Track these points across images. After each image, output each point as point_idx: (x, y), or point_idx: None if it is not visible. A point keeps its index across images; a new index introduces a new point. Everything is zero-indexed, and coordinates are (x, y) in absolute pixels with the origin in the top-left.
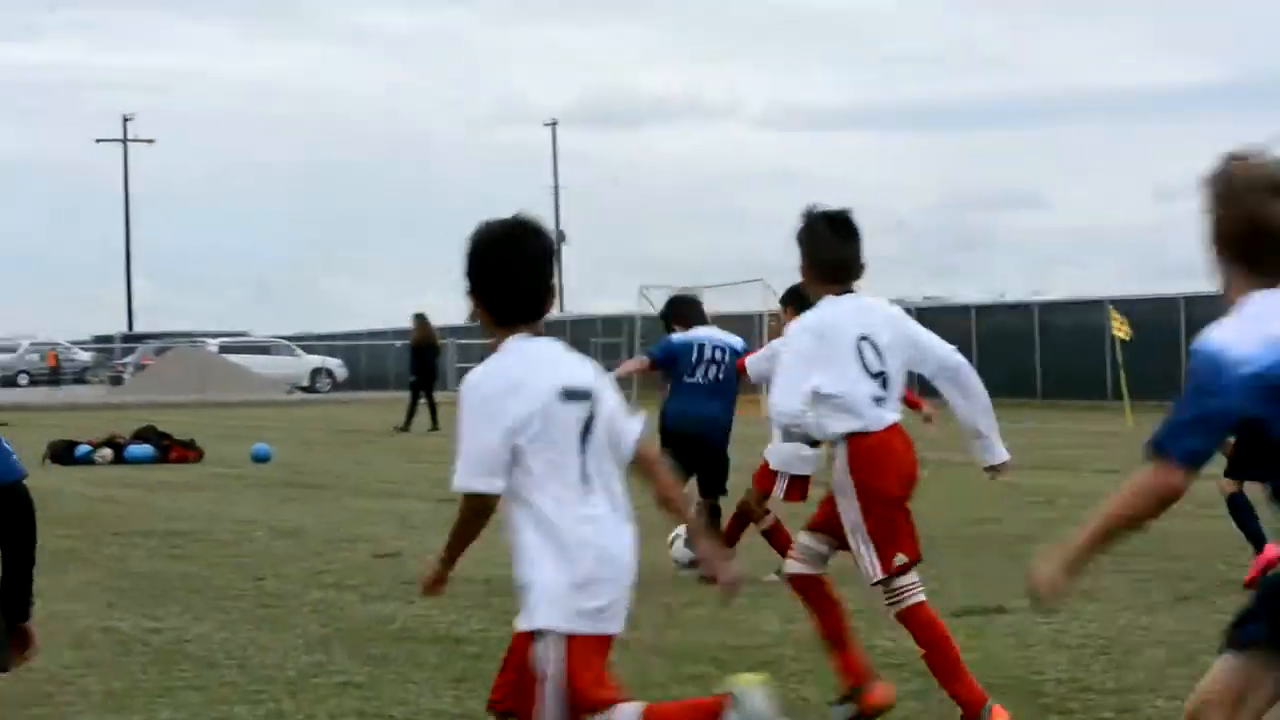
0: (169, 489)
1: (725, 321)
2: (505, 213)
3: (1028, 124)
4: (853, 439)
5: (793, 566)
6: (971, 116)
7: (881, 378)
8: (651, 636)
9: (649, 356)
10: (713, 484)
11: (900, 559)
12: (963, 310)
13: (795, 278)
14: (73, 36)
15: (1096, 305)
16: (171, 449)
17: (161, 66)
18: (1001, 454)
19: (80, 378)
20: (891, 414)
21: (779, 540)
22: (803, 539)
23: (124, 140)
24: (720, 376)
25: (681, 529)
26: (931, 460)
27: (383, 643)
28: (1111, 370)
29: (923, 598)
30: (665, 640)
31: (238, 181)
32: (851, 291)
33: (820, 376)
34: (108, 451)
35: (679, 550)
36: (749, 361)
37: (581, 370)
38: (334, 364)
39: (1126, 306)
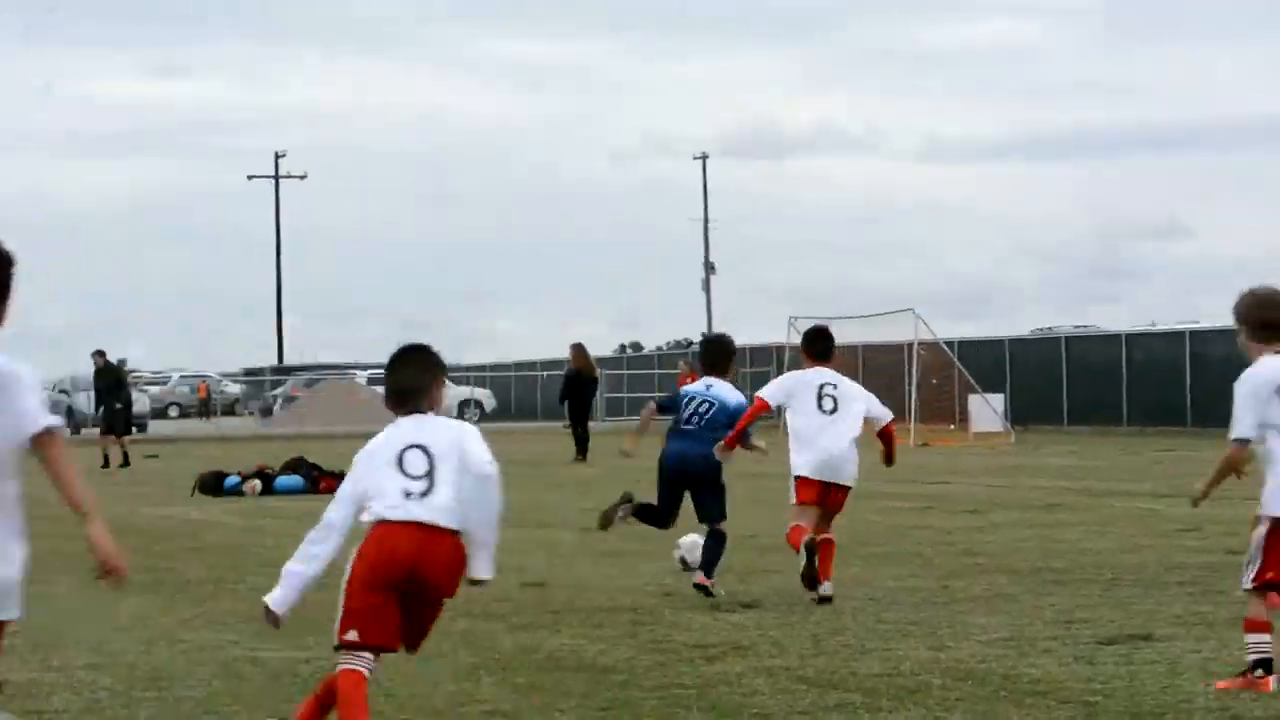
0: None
1: (874, 351)
2: (651, 247)
3: (1176, 152)
4: (373, 526)
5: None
6: (1119, 145)
7: (427, 479)
8: None
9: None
10: (710, 510)
11: (351, 635)
12: (1113, 338)
13: (941, 306)
14: (222, 73)
15: None
16: (320, 480)
17: (311, 103)
18: (484, 571)
19: (230, 410)
20: (425, 512)
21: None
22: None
23: (275, 177)
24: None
25: (684, 539)
26: (1074, 490)
27: (529, 672)
28: None
29: (357, 671)
30: (811, 667)
31: (386, 215)
32: (410, 413)
33: (364, 472)
34: (257, 482)
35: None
36: (765, 393)
37: None
38: (482, 394)
39: None
